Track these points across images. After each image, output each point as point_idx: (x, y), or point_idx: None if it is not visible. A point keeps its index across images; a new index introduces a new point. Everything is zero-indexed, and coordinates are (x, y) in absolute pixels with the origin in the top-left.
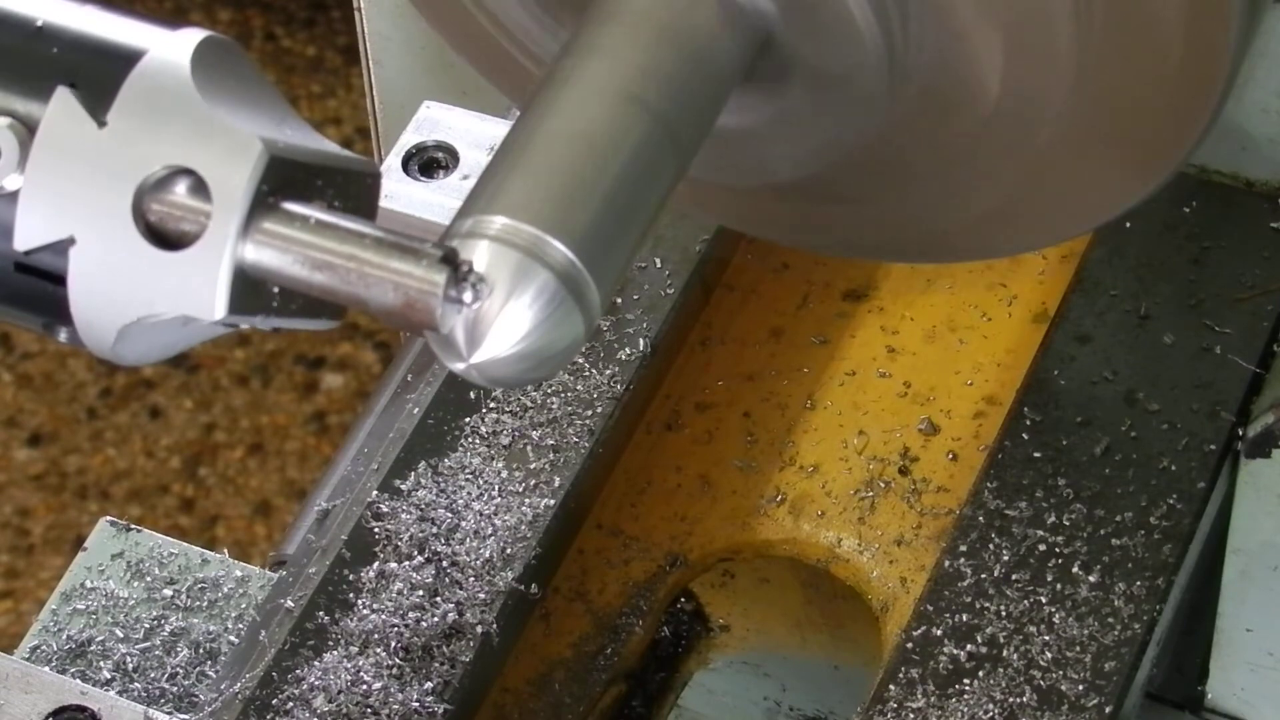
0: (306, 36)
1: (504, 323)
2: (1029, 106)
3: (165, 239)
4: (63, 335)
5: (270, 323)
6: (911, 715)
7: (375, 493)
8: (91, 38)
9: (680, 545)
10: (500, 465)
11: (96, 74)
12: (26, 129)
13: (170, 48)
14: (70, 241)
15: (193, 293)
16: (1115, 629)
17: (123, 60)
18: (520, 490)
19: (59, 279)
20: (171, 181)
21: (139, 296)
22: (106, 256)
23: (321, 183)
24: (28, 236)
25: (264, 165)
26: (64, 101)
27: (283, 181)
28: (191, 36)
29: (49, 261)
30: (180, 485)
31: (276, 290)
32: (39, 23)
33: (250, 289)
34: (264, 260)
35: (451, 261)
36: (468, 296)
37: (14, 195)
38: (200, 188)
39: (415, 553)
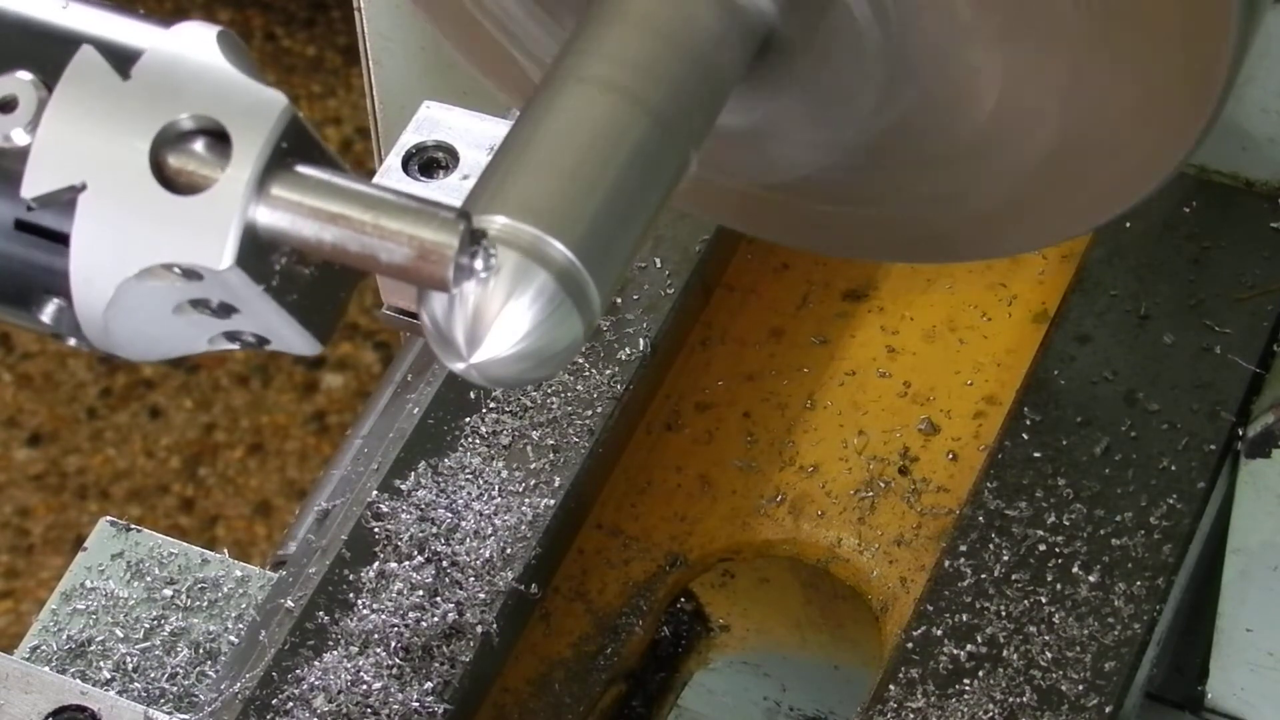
0: (306, 36)
1: (504, 323)
2: (1028, 108)
3: (179, 189)
4: (49, 312)
5: (262, 316)
6: (911, 715)
7: (375, 493)
8: (115, 21)
9: (680, 545)
10: (500, 465)
11: (122, 41)
12: (47, 89)
13: (194, 28)
14: (81, 188)
15: (201, 240)
16: (1115, 629)
17: (148, 37)
18: (520, 490)
19: (60, 237)
20: (191, 137)
21: (146, 244)
22: (117, 202)
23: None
24: (37, 183)
25: (286, 120)
26: (88, 55)
27: (298, 147)
28: (211, 27)
29: (52, 217)
30: (180, 485)
31: (279, 268)
32: (63, 4)
33: (258, 251)
34: (276, 220)
35: (466, 219)
36: (479, 263)
37: (23, 150)
38: (219, 143)
39: (415, 553)
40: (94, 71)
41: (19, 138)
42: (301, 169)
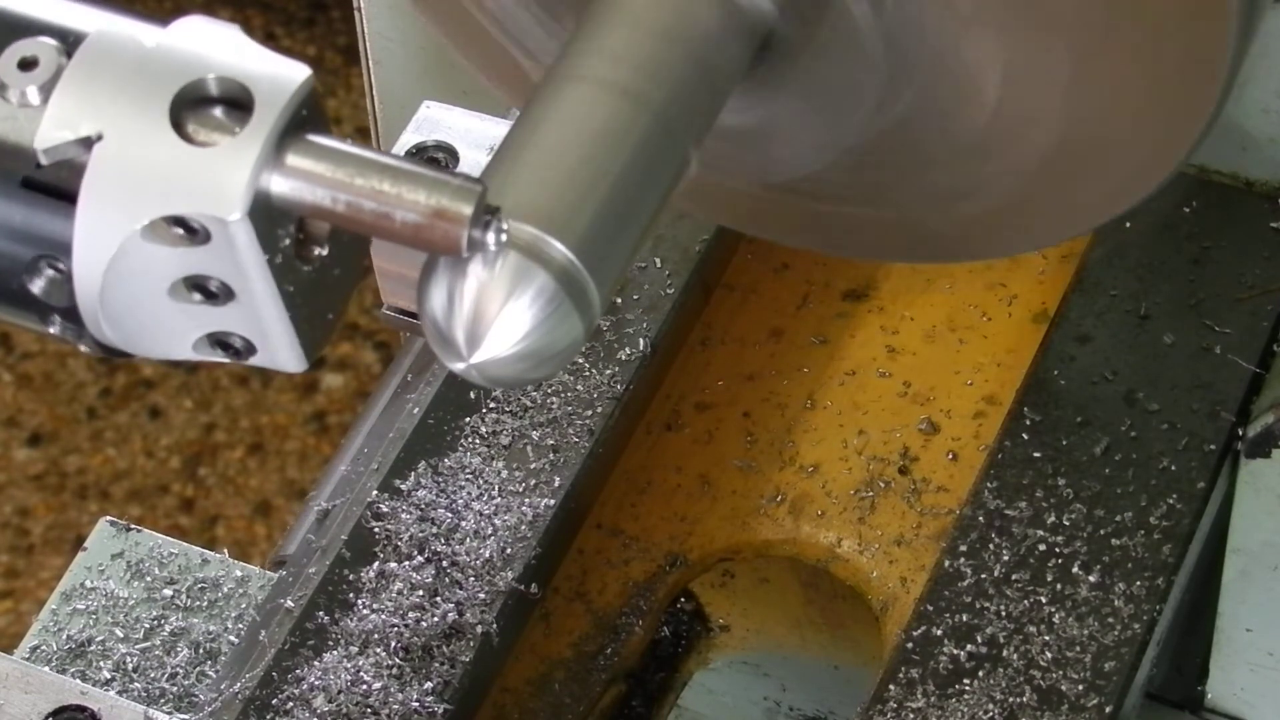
0: (306, 36)
1: (503, 323)
2: (1028, 107)
3: (196, 145)
4: (40, 285)
5: (258, 305)
6: (911, 715)
7: (375, 493)
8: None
9: (680, 545)
10: (500, 465)
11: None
12: (67, 56)
13: (210, 20)
14: (97, 138)
15: (216, 188)
16: (1115, 629)
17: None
18: (520, 490)
19: (67, 195)
20: (212, 104)
21: (157, 192)
22: (133, 151)
23: None
24: (52, 134)
25: (309, 89)
26: (112, 24)
27: (314, 119)
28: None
29: (61, 174)
30: (180, 485)
31: (284, 246)
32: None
33: (269, 217)
34: (292, 183)
35: (484, 187)
36: (490, 236)
37: (37, 109)
38: (240, 105)
39: (415, 553)
40: (118, 36)
41: (34, 97)
42: (318, 138)
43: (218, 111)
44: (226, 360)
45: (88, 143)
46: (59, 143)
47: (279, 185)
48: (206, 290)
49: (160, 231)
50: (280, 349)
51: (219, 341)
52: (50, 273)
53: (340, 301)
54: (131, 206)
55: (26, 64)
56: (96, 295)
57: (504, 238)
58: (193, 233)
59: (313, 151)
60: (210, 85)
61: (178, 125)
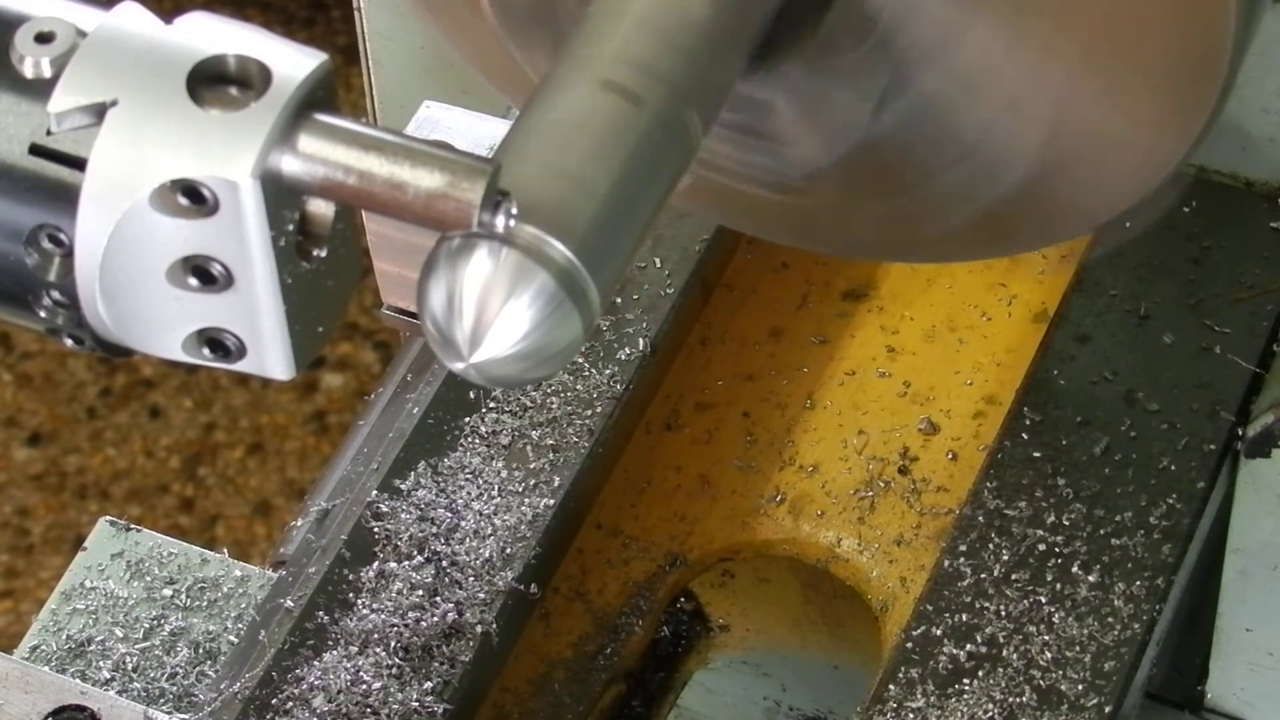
0: (306, 36)
1: (503, 323)
2: (1029, 107)
3: (211, 113)
4: (35, 259)
5: (257, 295)
6: (911, 715)
7: (375, 492)
8: None
9: (680, 545)
10: (500, 465)
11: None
12: (82, 37)
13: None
14: (112, 103)
15: (228, 151)
16: (1115, 629)
17: None
18: (520, 490)
19: (76, 162)
20: (229, 81)
21: (170, 153)
22: (147, 115)
23: None
24: (66, 99)
25: (325, 72)
26: (131, 6)
27: (329, 107)
28: None
29: (70, 140)
30: (180, 485)
31: (290, 229)
32: None
33: (278, 193)
34: (303, 163)
35: (497, 166)
36: (499, 220)
37: (49, 81)
38: (257, 82)
39: (415, 552)
40: (136, 14)
41: (47, 69)
42: (330, 118)
43: (234, 90)
44: (215, 364)
45: (101, 111)
46: (71, 107)
47: (290, 162)
48: (205, 275)
49: (167, 199)
50: (271, 351)
51: (210, 340)
52: (49, 247)
53: (333, 316)
54: (142, 167)
55: (43, 38)
56: (97, 266)
57: (512, 222)
58: (201, 202)
59: (325, 129)
60: (229, 62)
61: (193, 97)
